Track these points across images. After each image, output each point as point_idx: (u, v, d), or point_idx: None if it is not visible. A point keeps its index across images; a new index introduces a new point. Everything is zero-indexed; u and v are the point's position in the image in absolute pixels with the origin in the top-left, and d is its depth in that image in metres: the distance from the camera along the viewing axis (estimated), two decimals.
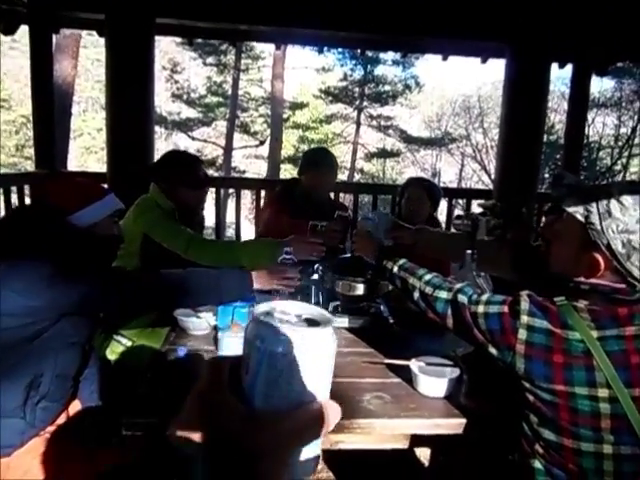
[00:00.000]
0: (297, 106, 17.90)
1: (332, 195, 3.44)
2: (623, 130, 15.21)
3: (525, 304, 1.06)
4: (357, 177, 18.18)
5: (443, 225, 3.47)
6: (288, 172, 18.11)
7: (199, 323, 1.67)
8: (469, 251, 1.57)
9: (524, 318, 1.04)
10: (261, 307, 0.42)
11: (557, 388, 0.99)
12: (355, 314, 1.81)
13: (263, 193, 4.13)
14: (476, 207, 4.16)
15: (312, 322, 0.42)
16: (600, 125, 15.29)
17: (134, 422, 1.15)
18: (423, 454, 1.73)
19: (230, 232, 6.55)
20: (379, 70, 17.00)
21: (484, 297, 1.15)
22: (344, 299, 1.83)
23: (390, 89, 17.21)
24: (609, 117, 15.55)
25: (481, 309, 1.12)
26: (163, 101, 17.22)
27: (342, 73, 17.14)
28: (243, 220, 3.90)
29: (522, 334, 1.03)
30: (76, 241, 1.37)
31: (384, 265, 1.48)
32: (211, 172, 17.55)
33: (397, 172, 20.17)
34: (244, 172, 17.75)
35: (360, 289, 1.78)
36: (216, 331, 1.63)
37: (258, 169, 17.81)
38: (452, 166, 19.80)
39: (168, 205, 2.07)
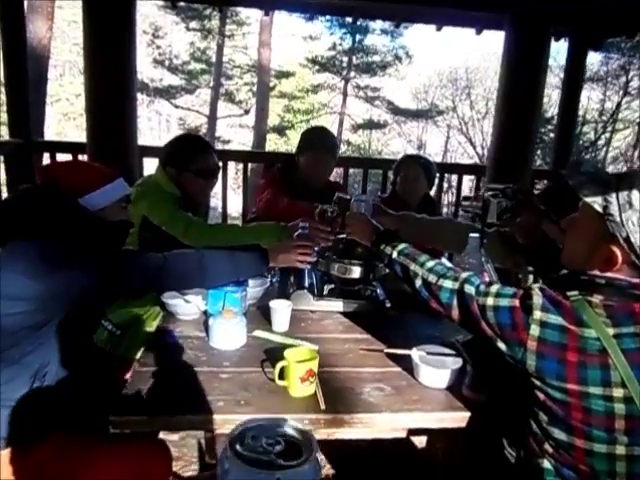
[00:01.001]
0: (283, 75, 17.46)
1: None
2: (608, 105, 15.23)
3: (538, 298, 1.00)
4: (343, 148, 17.97)
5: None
6: (273, 142, 17.82)
7: (188, 308, 1.59)
8: (473, 235, 1.50)
9: (537, 313, 0.98)
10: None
11: (570, 387, 0.95)
12: (350, 297, 1.75)
13: (250, 165, 4.02)
14: (465, 187, 4.08)
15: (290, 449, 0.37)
16: (585, 99, 15.26)
17: (122, 420, 1.08)
18: (419, 440, 1.71)
19: (215, 202, 6.41)
20: (368, 40, 16.63)
21: (493, 288, 1.09)
22: (339, 282, 1.77)
23: (379, 59, 16.87)
24: (594, 91, 15.50)
25: (490, 301, 1.06)
26: (145, 67, 16.62)
27: (330, 42, 16.72)
28: (228, 190, 3.76)
29: (534, 330, 0.98)
30: (85, 224, 1.32)
31: (382, 250, 1.41)
32: None
33: (383, 144, 20.00)
34: (229, 142, 17.39)
35: (356, 272, 1.71)
36: (206, 316, 1.56)
37: (243, 139, 17.46)
38: (438, 138, 19.67)
39: (174, 192, 1.95)
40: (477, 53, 18.71)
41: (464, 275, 1.17)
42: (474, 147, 17.66)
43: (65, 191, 1.33)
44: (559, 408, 0.97)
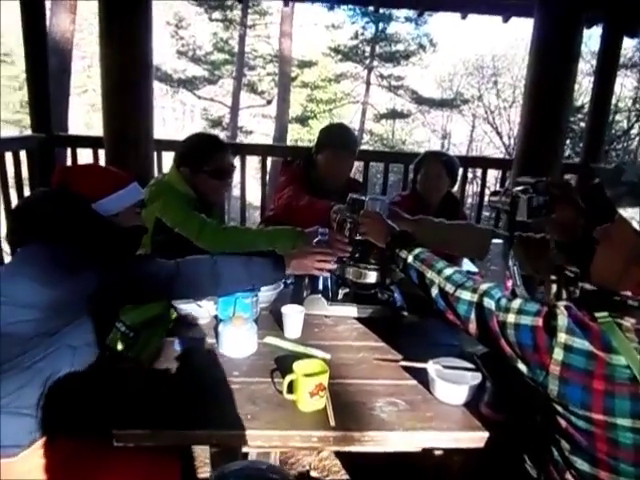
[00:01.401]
0: (305, 64, 17.32)
1: None
2: None
3: (563, 319, 0.92)
4: (366, 138, 17.80)
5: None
6: (296, 132, 17.74)
7: (199, 312, 1.56)
8: (496, 241, 1.42)
9: (562, 336, 0.91)
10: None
11: (595, 417, 0.87)
12: (366, 302, 1.69)
13: (270, 160, 3.97)
14: (490, 178, 3.92)
15: None
16: (618, 87, 14.67)
17: (125, 434, 1.05)
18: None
19: (236, 192, 6.39)
20: (391, 28, 16.35)
21: (515, 304, 1.01)
22: (354, 286, 1.71)
23: (403, 48, 16.57)
24: (628, 78, 14.88)
25: (511, 318, 0.99)
26: (168, 58, 16.72)
27: (353, 31, 16.49)
28: (250, 180, 3.72)
29: (558, 354, 0.90)
30: (98, 230, 1.31)
31: (397, 253, 1.34)
32: (217, 132, 17.25)
33: (407, 133, 19.72)
34: (251, 132, 17.42)
35: (372, 276, 1.65)
36: (217, 321, 1.52)
37: (266, 129, 17.44)
38: (463, 128, 19.28)
39: (188, 192, 1.91)
40: (504, 40, 18.20)
41: (484, 287, 1.10)
42: (500, 137, 17.25)
43: (79, 196, 1.32)
44: (583, 437, 0.90)
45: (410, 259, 1.29)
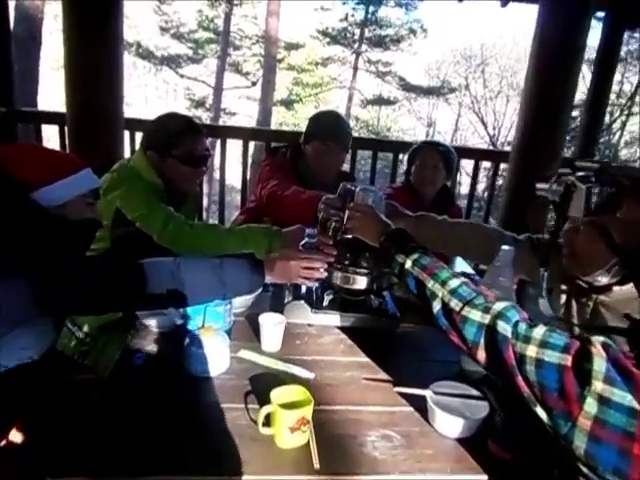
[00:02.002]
0: (292, 46, 16.87)
1: None
2: (626, 87, 14.61)
3: (601, 363, 0.73)
4: (352, 124, 17.51)
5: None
6: (280, 115, 17.37)
7: (163, 321, 1.36)
8: (506, 247, 1.24)
9: (597, 385, 0.72)
10: None
11: None
12: (354, 309, 1.51)
13: (252, 144, 3.74)
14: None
15: None
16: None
17: None
18: None
19: (216, 174, 6.11)
20: (382, 12, 16.01)
21: (537, 332, 0.83)
22: (342, 291, 1.52)
23: (392, 33, 16.26)
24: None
25: (532, 351, 0.80)
26: (151, 34, 16.12)
27: (342, 13, 16.10)
28: (234, 162, 3.48)
29: (591, 406, 0.72)
30: (38, 223, 1.09)
31: (392, 255, 1.15)
32: (200, 113, 16.77)
33: (392, 120, 19.50)
34: (234, 114, 16.98)
35: (362, 282, 1.46)
36: (184, 332, 1.32)
37: (249, 111, 17.02)
38: (448, 116, 19.15)
39: (155, 181, 1.66)
40: (494, 29, 18.06)
41: (499, 306, 0.91)
42: (485, 127, 17.19)
43: (14, 183, 1.08)
44: None
45: (408, 264, 1.10)
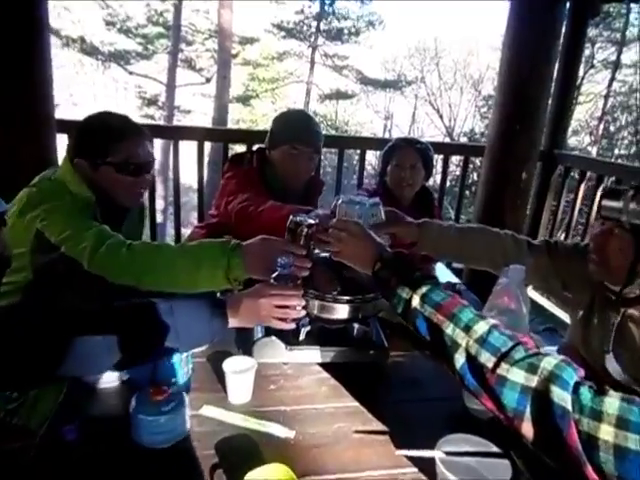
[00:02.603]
0: (247, 41, 16.44)
1: None
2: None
3: None
4: None
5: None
6: (237, 112, 16.91)
7: (105, 375, 1.10)
8: (516, 266, 1.05)
9: None
10: None
11: None
12: (336, 342, 1.29)
13: (208, 145, 3.45)
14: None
15: None
16: None
17: None
18: None
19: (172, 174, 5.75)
20: (338, 4, 15.84)
21: (611, 405, 0.62)
22: (320, 320, 1.30)
23: (350, 25, 16.10)
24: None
25: (607, 433, 0.60)
26: (96, 29, 15.32)
27: (298, 5, 15.79)
28: (191, 163, 3.18)
29: None
30: None
31: (393, 289, 0.93)
32: (153, 111, 16.11)
33: (350, 114, 19.40)
34: (189, 112, 16.41)
35: (343, 311, 1.23)
36: (130, 390, 1.06)
37: (204, 108, 16.48)
38: (404, 109, 19.22)
39: (85, 195, 1.34)
40: (448, 21, 18.24)
41: (548, 364, 0.69)
42: (442, 119, 17.34)
43: None
44: None
45: (416, 302, 0.88)
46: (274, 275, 1.08)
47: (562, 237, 3.54)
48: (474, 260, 1.43)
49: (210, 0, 14.73)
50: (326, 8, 15.67)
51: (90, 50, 15.16)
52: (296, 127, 1.83)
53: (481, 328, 0.78)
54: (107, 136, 1.37)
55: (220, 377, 1.14)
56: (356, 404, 1.14)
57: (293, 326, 1.08)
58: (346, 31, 16.07)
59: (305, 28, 16.16)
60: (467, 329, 0.79)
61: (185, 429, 0.99)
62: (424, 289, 0.89)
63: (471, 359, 0.76)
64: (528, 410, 0.68)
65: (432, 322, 0.84)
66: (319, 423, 1.07)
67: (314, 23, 16.00)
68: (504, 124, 2.58)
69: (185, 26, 15.29)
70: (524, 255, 1.32)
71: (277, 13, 16.44)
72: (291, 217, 1.14)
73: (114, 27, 15.35)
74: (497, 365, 0.72)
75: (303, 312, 1.10)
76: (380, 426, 1.07)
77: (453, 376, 0.81)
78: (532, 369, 0.70)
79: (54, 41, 14.69)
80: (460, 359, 0.78)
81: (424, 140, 2.24)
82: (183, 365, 1.08)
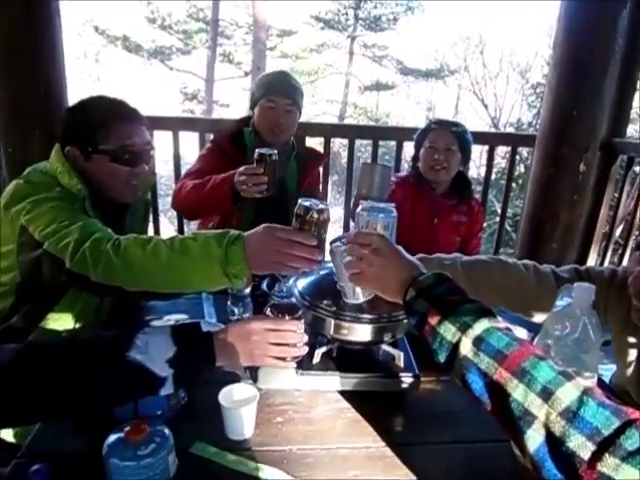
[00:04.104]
0: (285, 33, 16.33)
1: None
2: None
3: None
4: (349, 111, 17.06)
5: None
6: None
7: None
8: (582, 284, 0.82)
9: None
10: None
11: None
12: (355, 367, 1.10)
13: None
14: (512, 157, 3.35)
15: None
16: None
17: None
18: None
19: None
20: None
21: None
22: (337, 341, 1.11)
23: (388, 12, 15.66)
24: None
25: None
26: (140, 26, 15.59)
27: None
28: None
29: None
30: None
31: (434, 328, 0.71)
32: (193, 106, 16.27)
33: (391, 105, 18.99)
34: (228, 105, 16.49)
35: (365, 333, 1.04)
36: (110, 424, 0.91)
37: (244, 102, 16.52)
38: (447, 99, 18.60)
39: (75, 187, 1.20)
40: (494, 5, 17.50)
41: None
42: (486, 108, 16.67)
43: None
44: None
45: (467, 348, 0.66)
46: (269, 305, 0.91)
47: (624, 235, 3.18)
48: (485, 302, 1.14)
49: None
50: None
51: (133, 48, 15.45)
52: (271, 81, 1.86)
53: (568, 395, 0.55)
54: (99, 120, 1.22)
55: (217, 407, 0.97)
56: (377, 445, 0.95)
57: (293, 365, 0.89)
58: (385, 18, 15.63)
59: (343, 17, 15.86)
60: (547, 395, 0.56)
61: (168, 475, 0.82)
62: (478, 329, 0.66)
63: (554, 441, 0.54)
64: None
65: (492, 379, 0.61)
66: (331, 469, 0.88)
67: (352, 12, 15.67)
68: (559, 110, 2.27)
69: (224, 20, 15.34)
70: (549, 293, 1.02)
71: (315, 4, 16.25)
72: (300, 201, 0.96)
73: (155, 24, 15.58)
74: (597, 457, 0.50)
75: (305, 349, 0.92)
76: (406, 475, 0.88)
77: (522, 457, 0.59)
78: None
79: (99, 40, 15.13)
80: (536, 438, 0.55)
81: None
82: (173, 394, 0.92)
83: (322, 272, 1.14)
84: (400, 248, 0.88)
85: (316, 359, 1.09)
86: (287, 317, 0.92)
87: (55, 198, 1.15)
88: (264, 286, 1.20)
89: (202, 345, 0.85)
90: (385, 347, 1.13)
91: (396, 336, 1.08)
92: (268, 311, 0.93)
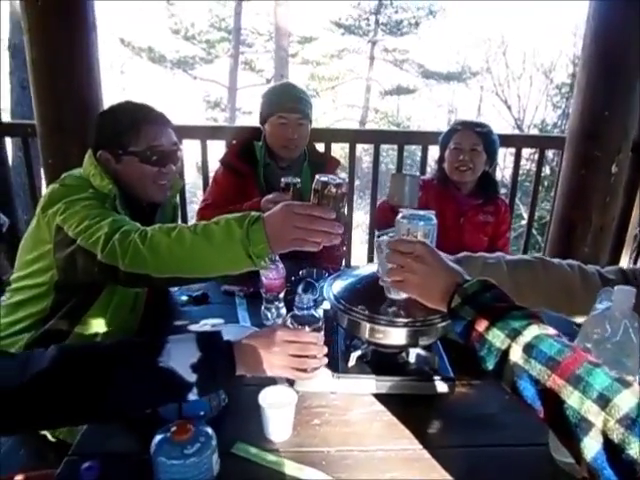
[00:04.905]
0: (306, 40, 16.46)
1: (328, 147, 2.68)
2: None
3: None
4: (371, 116, 17.05)
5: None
6: None
7: None
8: (623, 288, 0.82)
9: None
10: None
11: None
12: (392, 369, 1.11)
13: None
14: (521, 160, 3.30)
15: None
16: None
17: None
18: None
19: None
20: None
21: None
22: (372, 344, 1.12)
23: (410, 16, 15.63)
24: None
25: None
26: (164, 37, 15.93)
27: (355, 2, 15.53)
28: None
29: None
30: None
31: (481, 336, 0.72)
32: (216, 114, 16.49)
33: (412, 109, 18.90)
34: (250, 113, 16.67)
35: (400, 336, 1.05)
36: (155, 424, 0.94)
37: None
38: (468, 102, 18.42)
39: (107, 187, 1.26)
40: (516, 5, 17.30)
41: None
42: (510, 110, 16.44)
43: None
44: None
45: (517, 355, 0.66)
46: (289, 316, 0.94)
47: None
48: (528, 303, 1.11)
49: (268, 0, 14.92)
50: (383, 1, 15.27)
51: (158, 58, 15.79)
52: (280, 97, 1.87)
53: (626, 402, 0.55)
54: (128, 124, 1.29)
55: (257, 408, 0.99)
56: (414, 447, 0.96)
57: (313, 376, 0.91)
58: (406, 22, 15.60)
59: (364, 23, 15.90)
60: (604, 402, 0.56)
61: (212, 474, 0.85)
62: (528, 336, 0.66)
63: (612, 448, 0.53)
64: None
65: (544, 386, 0.62)
66: (369, 471, 0.90)
67: (372, 17, 15.70)
68: (589, 111, 2.24)
69: (245, 29, 15.56)
70: (595, 293, 1.01)
71: (334, 8, 16.34)
72: (317, 177, 0.99)
73: (179, 34, 15.90)
74: None
75: (325, 360, 0.93)
76: (444, 477, 0.88)
77: (577, 464, 0.58)
78: None
79: (125, 51, 15.51)
80: (594, 445, 0.55)
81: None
82: (214, 396, 0.95)
83: (356, 276, 1.16)
84: (442, 255, 0.88)
85: (351, 362, 1.10)
86: (307, 329, 0.93)
87: (88, 198, 1.21)
88: (299, 290, 1.22)
89: (222, 354, 0.86)
90: (420, 351, 1.14)
91: (430, 340, 1.08)
92: (288, 322, 0.95)
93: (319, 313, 1.02)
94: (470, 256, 1.08)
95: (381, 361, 1.12)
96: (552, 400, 0.61)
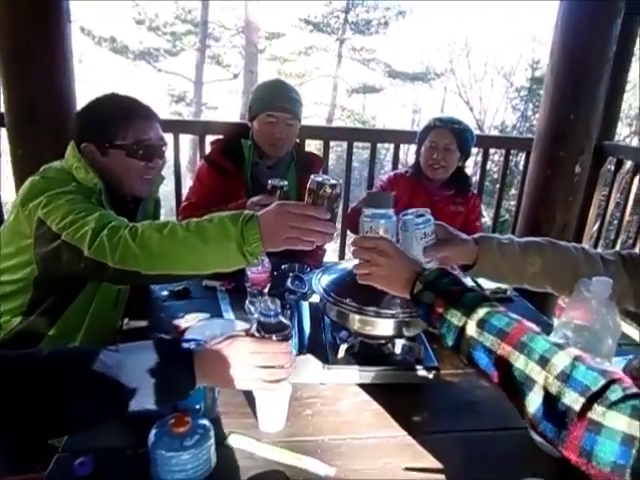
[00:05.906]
0: (274, 36, 16.35)
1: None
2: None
3: None
4: (337, 114, 17.13)
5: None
6: None
7: None
8: (601, 279, 0.88)
9: None
10: None
11: None
12: (378, 360, 1.15)
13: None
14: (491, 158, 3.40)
15: None
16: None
17: None
18: None
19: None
20: None
21: None
22: (359, 335, 1.15)
23: (380, 16, 15.78)
24: None
25: None
26: (127, 28, 15.49)
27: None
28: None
29: None
30: None
31: (441, 315, 0.79)
32: (181, 108, 16.18)
33: (377, 108, 19.11)
34: (216, 108, 16.46)
35: (387, 327, 1.09)
36: (151, 418, 0.94)
37: (232, 105, 16.50)
38: (432, 102, 18.78)
39: (91, 181, 1.23)
40: (480, 11, 17.73)
41: None
42: (472, 111, 16.87)
43: None
44: None
45: (472, 329, 0.74)
46: (255, 325, 0.90)
47: (612, 236, 3.28)
48: (536, 282, 1.15)
49: None
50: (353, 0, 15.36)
51: (120, 49, 15.34)
52: (270, 95, 1.85)
53: (562, 361, 0.63)
54: (117, 117, 1.27)
55: (250, 400, 1.01)
56: (403, 434, 1.00)
57: (278, 387, 0.86)
58: (375, 22, 15.74)
59: (333, 21, 15.94)
60: (544, 362, 0.64)
61: (210, 465, 0.86)
62: (481, 312, 0.74)
63: (551, 400, 0.62)
64: (632, 464, 0.54)
65: (496, 354, 0.70)
66: (363, 457, 0.93)
67: (342, 15, 15.76)
68: (556, 114, 2.36)
69: (212, 22, 15.30)
70: (597, 274, 1.08)
71: (304, 5, 16.29)
72: (312, 177, 1.01)
73: (143, 25, 15.49)
74: (588, 408, 0.58)
75: (294, 367, 0.89)
76: (433, 462, 0.92)
77: (522, 420, 0.66)
78: (638, 414, 0.55)
79: (87, 41, 14.99)
80: (536, 400, 0.63)
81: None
82: (209, 390, 0.96)
83: (343, 270, 1.19)
84: (402, 248, 0.97)
85: (340, 354, 1.13)
86: (274, 337, 0.88)
87: (71, 192, 1.18)
88: (288, 284, 1.24)
89: (181, 363, 0.80)
90: (405, 342, 1.18)
91: (416, 331, 1.13)
92: (254, 329, 0.90)
93: (287, 320, 0.96)
94: (485, 236, 1.14)
95: (369, 352, 1.16)
96: (502, 365, 0.69)
